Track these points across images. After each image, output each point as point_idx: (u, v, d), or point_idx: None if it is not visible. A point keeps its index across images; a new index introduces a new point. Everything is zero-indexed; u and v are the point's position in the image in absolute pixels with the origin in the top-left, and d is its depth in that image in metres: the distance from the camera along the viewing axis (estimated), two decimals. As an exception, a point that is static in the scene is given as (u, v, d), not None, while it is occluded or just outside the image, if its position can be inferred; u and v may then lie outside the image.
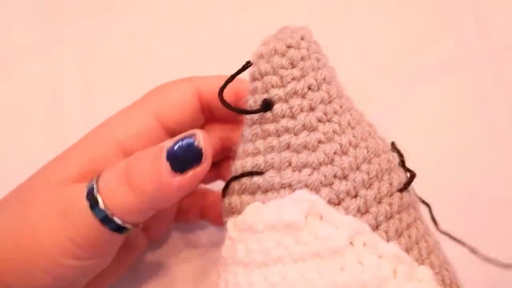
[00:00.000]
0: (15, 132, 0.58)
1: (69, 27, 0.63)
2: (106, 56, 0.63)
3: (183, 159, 0.34)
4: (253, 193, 0.36)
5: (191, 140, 0.35)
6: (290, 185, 0.34)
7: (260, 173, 0.36)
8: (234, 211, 0.37)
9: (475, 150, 0.57)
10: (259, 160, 0.36)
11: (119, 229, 0.36)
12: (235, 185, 0.38)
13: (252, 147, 0.37)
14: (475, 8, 0.65)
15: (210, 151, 0.35)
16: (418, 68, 0.62)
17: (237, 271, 0.35)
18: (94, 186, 0.35)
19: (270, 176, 0.35)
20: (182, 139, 0.35)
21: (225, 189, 0.39)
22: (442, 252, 0.38)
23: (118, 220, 0.35)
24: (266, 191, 0.36)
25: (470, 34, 0.64)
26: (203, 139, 0.35)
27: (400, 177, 0.37)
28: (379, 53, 0.63)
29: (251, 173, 0.36)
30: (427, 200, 0.40)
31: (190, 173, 0.34)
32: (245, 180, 0.37)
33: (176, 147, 0.34)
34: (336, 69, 0.37)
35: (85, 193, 0.35)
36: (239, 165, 0.38)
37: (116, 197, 0.35)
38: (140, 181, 0.35)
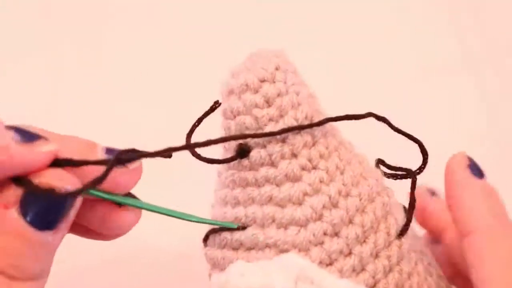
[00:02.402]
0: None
1: (69, 27, 0.66)
2: (106, 55, 0.65)
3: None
4: (235, 249, 0.34)
5: None
6: (275, 245, 0.32)
7: (241, 227, 0.33)
8: (217, 266, 0.35)
9: (475, 148, 0.57)
10: (240, 213, 0.33)
11: None
12: (215, 238, 0.35)
13: (230, 195, 0.34)
14: (475, 8, 0.67)
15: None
16: (419, 68, 0.64)
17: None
18: None
19: (253, 234, 0.32)
20: None
21: (206, 239, 0.36)
22: (445, 279, 0.37)
23: None
24: (249, 249, 0.33)
25: (470, 34, 0.66)
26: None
27: (397, 220, 0.34)
28: (380, 55, 0.65)
29: (232, 228, 0.33)
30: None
31: None
32: (225, 234, 0.34)
33: None
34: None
35: None
36: (218, 215, 0.35)
37: None
38: None
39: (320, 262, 0.31)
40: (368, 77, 0.64)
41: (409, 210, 0.34)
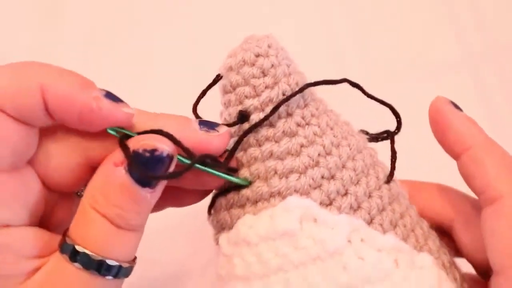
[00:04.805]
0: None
1: (69, 27, 0.68)
2: (106, 55, 0.67)
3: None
4: (242, 206, 0.38)
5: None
6: (279, 193, 0.36)
7: (246, 185, 0.38)
8: (224, 226, 0.39)
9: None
10: (244, 172, 0.38)
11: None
12: (222, 201, 0.39)
13: (233, 160, 0.39)
14: (475, 8, 0.70)
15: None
16: (419, 68, 0.67)
17: (237, 286, 0.37)
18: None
19: (258, 187, 0.37)
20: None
21: (211, 206, 0.40)
22: (437, 237, 0.40)
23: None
24: (255, 202, 0.37)
25: (470, 34, 0.68)
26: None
27: (384, 169, 0.39)
28: (381, 54, 0.67)
29: (237, 187, 0.38)
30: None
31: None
32: (232, 194, 0.38)
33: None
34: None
35: None
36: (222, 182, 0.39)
37: None
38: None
39: (320, 203, 0.36)
40: (368, 76, 0.65)
41: (392, 160, 0.40)
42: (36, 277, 0.35)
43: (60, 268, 0.34)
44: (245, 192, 0.38)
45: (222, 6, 0.70)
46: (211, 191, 0.42)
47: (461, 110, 0.40)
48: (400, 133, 0.41)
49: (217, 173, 0.37)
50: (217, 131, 0.37)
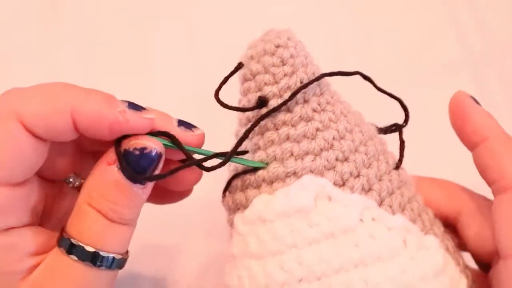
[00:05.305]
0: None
1: (69, 27, 0.68)
2: (106, 56, 0.68)
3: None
4: (258, 186, 0.40)
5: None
6: (295, 173, 0.38)
7: (262, 167, 0.40)
8: (240, 206, 0.41)
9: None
10: (261, 155, 0.40)
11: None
12: (238, 182, 0.41)
13: (250, 144, 0.41)
14: (475, 8, 0.71)
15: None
16: (419, 68, 0.67)
17: (250, 264, 0.38)
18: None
19: (274, 167, 0.39)
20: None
21: (227, 187, 0.42)
22: (441, 225, 0.42)
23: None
24: (271, 182, 0.39)
25: (470, 34, 0.69)
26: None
27: (393, 157, 0.41)
28: (381, 55, 0.68)
29: (254, 169, 0.40)
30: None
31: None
32: (248, 176, 0.40)
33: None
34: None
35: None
36: (239, 164, 0.41)
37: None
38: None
39: (334, 183, 0.38)
40: (368, 76, 0.67)
41: (401, 148, 0.42)
42: (36, 271, 0.37)
43: (57, 261, 0.37)
44: (261, 173, 0.40)
45: (222, 7, 0.71)
46: (190, 191, 0.45)
47: (480, 104, 0.42)
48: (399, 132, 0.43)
49: (235, 160, 0.40)
50: (193, 131, 0.40)
